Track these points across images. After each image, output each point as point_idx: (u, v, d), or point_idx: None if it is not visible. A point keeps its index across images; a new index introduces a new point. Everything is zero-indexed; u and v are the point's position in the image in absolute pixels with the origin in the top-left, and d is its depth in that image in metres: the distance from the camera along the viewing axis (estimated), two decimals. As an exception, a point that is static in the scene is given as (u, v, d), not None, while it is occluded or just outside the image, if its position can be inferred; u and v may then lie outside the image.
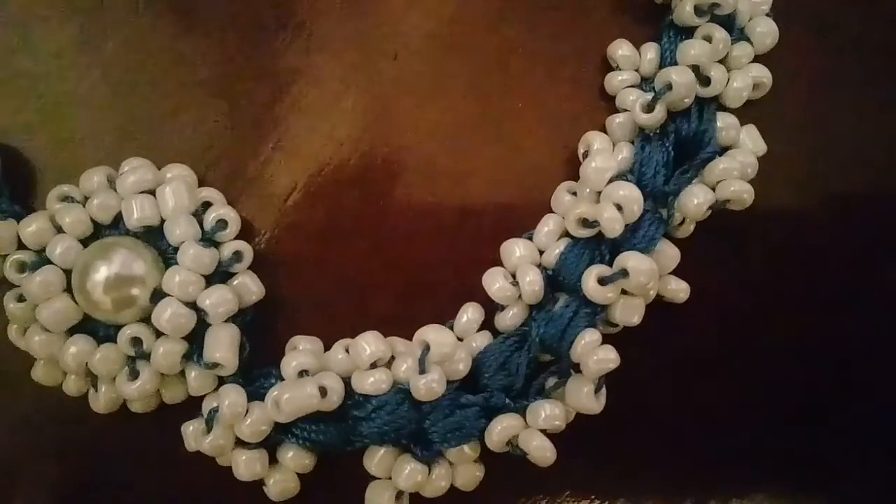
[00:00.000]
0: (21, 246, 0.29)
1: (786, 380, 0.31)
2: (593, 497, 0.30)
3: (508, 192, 0.31)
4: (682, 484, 0.30)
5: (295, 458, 0.28)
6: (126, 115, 0.31)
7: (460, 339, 0.29)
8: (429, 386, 0.27)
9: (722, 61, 0.30)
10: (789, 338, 0.31)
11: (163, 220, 0.29)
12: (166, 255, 0.29)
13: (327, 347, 0.29)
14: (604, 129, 0.31)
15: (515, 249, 0.29)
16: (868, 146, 0.31)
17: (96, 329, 0.28)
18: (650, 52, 0.31)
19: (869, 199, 0.31)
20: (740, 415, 0.31)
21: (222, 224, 0.29)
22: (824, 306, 0.31)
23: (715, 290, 0.30)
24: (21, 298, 0.28)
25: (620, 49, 0.31)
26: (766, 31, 0.30)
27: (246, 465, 0.28)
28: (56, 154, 0.30)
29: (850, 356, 0.31)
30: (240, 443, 0.28)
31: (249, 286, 0.29)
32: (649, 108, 0.29)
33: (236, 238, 0.29)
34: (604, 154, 0.29)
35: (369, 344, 0.28)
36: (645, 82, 0.31)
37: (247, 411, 0.27)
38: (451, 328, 0.29)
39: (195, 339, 0.28)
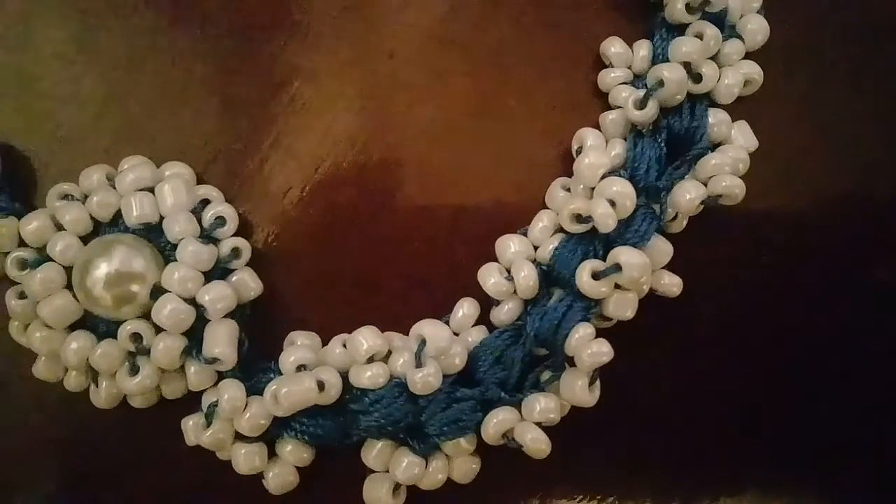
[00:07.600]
0: (22, 243, 0.29)
1: (780, 377, 0.31)
2: (587, 489, 0.30)
3: (503, 189, 0.31)
4: (673, 479, 0.31)
5: (294, 452, 0.28)
6: (125, 113, 0.31)
7: (456, 334, 0.29)
8: (425, 380, 0.27)
9: (713, 58, 0.30)
10: (783, 334, 0.31)
11: (162, 218, 0.29)
12: (165, 252, 0.29)
13: (325, 342, 0.29)
14: (597, 126, 0.31)
15: (510, 245, 0.30)
16: (858, 143, 0.31)
17: (97, 325, 0.29)
18: (642, 49, 0.31)
19: (859, 196, 0.31)
20: (733, 410, 0.31)
21: (221, 221, 0.29)
22: (817, 303, 0.31)
23: (707, 284, 0.30)
24: (22, 295, 0.28)
25: (613, 46, 0.31)
26: (757, 28, 0.31)
27: (245, 459, 0.28)
28: (56, 152, 0.31)
29: (846, 353, 0.31)
30: (239, 437, 0.28)
31: (248, 282, 0.29)
32: (642, 104, 0.29)
33: (235, 235, 0.30)
34: (597, 150, 0.30)
35: (366, 339, 0.28)
36: (637, 79, 0.31)
37: (246, 406, 0.28)
38: (448, 323, 0.29)
39: (194, 335, 0.28)
